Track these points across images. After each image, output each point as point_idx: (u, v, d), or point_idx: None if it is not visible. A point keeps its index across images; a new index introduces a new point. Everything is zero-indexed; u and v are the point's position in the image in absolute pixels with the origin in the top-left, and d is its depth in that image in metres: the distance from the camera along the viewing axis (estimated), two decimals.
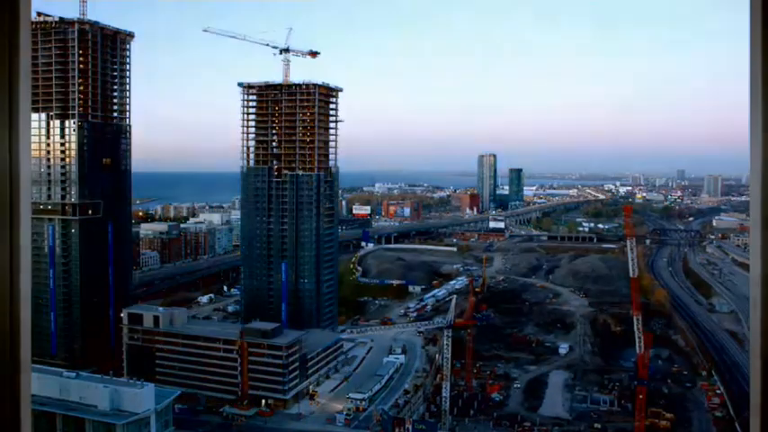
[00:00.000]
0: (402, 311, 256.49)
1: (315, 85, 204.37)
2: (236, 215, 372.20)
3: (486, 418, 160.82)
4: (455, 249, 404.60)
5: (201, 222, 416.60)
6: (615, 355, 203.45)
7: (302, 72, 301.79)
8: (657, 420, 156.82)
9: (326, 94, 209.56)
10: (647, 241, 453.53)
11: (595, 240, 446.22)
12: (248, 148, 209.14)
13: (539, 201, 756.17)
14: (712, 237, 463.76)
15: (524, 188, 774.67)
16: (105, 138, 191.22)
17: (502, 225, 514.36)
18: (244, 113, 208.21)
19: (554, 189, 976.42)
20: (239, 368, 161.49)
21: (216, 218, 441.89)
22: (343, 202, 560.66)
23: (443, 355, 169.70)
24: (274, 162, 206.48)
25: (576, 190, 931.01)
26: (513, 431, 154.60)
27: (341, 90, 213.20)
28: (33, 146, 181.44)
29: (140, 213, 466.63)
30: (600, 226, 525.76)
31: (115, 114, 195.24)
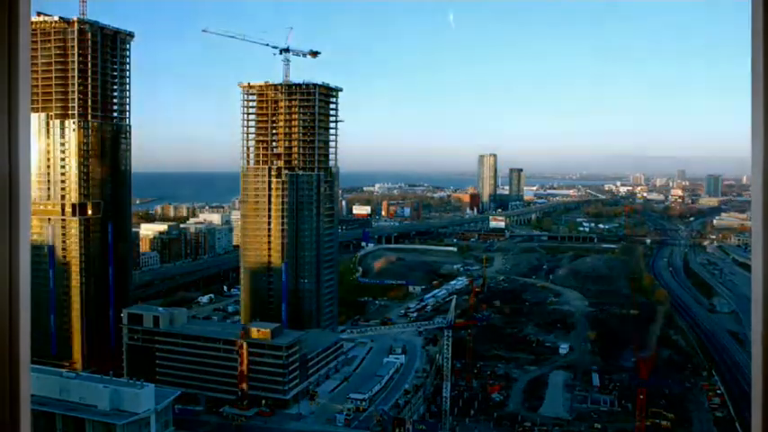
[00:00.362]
0: (402, 312, 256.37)
1: (315, 85, 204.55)
2: (236, 215, 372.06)
3: (487, 418, 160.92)
4: (455, 249, 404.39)
5: (201, 222, 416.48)
6: (616, 355, 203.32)
7: (303, 72, 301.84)
8: (658, 420, 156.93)
9: (326, 93, 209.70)
10: (648, 241, 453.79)
11: (596, 240, 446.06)
12: (248, 147, 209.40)
13: (539, 201, 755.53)
14: (713, 237, 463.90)
15: (525, 188, 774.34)
16: (105, 138, 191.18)
17: (502, 225, 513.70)
18: (244, 113, 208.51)
19: (554, 189, 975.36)
20: (239, 368, 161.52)
21: (216, 218, 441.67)
22: (343, 202, 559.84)
23: (443, 356, 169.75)
24: (274, 162, 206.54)
25: (576, 190, 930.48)
26: (513, 431, 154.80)
27: (341, 90, 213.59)
28: (33, 146, 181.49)
29: (140, 213, 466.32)
30: (600, 226, 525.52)
31: (115, 114, 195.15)
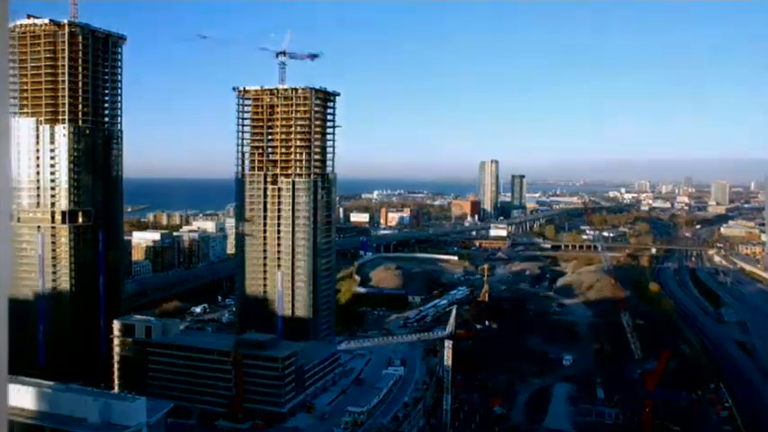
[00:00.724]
0: (401, 322, 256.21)
1: (312, 89, 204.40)
2: (230, 223, 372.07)
3: (489, 431, 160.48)
4: (456, 258, 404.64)
5: (195, 230, 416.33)
6: (621, 366, 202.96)
7: (300, 76, 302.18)
8: None
9: (324, 98, 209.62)
10: (654, 250, 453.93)
11: (600, 249, 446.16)
12: (243, 153, 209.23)
13: (541, 208, 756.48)
14: (720, 245, 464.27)
15: (527, 195, 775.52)
16: (96, 143, 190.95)
17: (504, 233, 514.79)
18: (239, 118, 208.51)
19: (557, 196, 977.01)
20: (234, 380, 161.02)
21: (210, 226, 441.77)
22: (341, 210, 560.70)
23: (444, 367, 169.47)
24: (270, 168, 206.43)
25: (579, 197, 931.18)
26: None
27: (338, 94, 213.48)
28: (22, 152, 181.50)
29: (132, 221, 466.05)
30: (604, 234, 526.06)
31: (106, 119, 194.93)
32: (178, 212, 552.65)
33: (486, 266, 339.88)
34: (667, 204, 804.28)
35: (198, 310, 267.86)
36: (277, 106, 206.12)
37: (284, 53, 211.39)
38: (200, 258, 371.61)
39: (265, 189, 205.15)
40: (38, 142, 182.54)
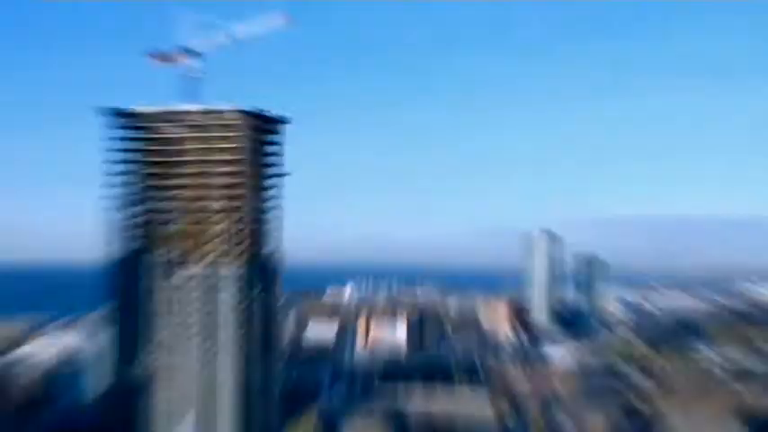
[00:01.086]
0: None
1: (242, 111, 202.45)
2: (97, 340, 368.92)
3: None
4: (486, 400, 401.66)
5: (36, 354, 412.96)
6: None
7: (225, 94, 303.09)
8: None
9: (262, 128, 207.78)
10: None
11: (731, 383, 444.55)
12: (121, 223, 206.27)
13: (629, 313, 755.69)
14: None
15: (605, 291, 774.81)
16: None
17: (566, 356, 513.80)
18: (117, 161, 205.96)
19: (655, 291, 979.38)
20: None
21: (67, 343, 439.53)
22: (292, 317, 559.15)
23: None
24: (167, 248, 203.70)
25: (693, 294, 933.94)
26: None
27: (287, 122, 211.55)
28: None
29: None
30: (739, 358, 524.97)
31: None
32: (15, 323, 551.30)
33: (535, 412, 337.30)
34: None
35: None
36: (184, 140, 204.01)
37: (189, 51, 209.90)
38: (44, 402, 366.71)
39: (158, 283, 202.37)
40: None
